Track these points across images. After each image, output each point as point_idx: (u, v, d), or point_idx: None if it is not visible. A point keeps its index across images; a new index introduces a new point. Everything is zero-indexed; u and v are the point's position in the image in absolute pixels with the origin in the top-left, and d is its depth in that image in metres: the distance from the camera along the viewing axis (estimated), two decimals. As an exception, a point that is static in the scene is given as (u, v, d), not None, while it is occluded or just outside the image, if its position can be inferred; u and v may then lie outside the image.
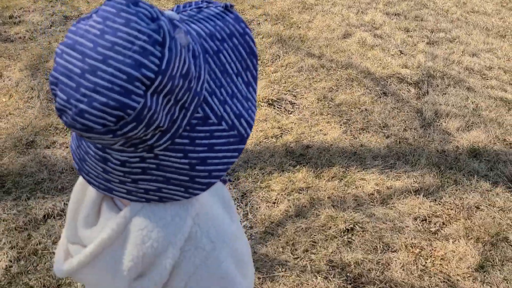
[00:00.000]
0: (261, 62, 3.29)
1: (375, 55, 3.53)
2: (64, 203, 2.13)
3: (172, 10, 0.65)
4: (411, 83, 3.20)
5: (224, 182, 0.88)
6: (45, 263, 1.83)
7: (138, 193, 0.63)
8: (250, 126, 0.64)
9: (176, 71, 0.52)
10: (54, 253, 1.88)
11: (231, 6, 0.66)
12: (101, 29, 0.50)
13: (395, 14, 4.47)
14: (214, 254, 0.67)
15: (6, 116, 2.78)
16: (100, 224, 0.71)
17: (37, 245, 1.91)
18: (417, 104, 2.96)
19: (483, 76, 3.51)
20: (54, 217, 2.06)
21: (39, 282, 1.76)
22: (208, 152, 0.60)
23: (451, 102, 3.00)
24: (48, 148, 2.50)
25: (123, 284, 0.66)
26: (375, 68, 3.33)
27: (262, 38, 3.61)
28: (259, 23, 3.88)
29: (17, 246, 1.91)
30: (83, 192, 0.75)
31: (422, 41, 3.97)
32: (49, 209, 2.08)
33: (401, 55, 3.61)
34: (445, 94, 3.11)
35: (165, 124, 0.53)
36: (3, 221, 2.03)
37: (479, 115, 2.89)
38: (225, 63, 0.63)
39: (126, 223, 0.64)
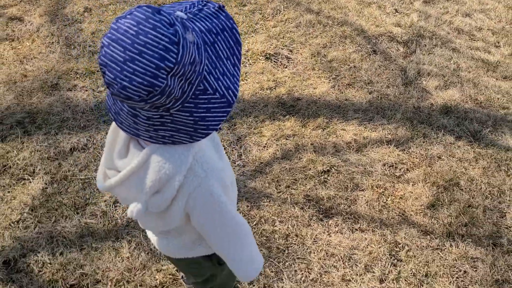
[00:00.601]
0: (262, 17, 3.54)
1: (371, 12, 3.75)
2: (87, 139, 2.50)
3: (180, 10, 0.96)
4: (401, 42, 3.45)
5: (217, 130, 1.23)
6: (74, 187, 2.24)
7: (158, 138, 0.96)
8: (236, 96, 0.97)
9: (186, 61, 0.84)
10: (81, 179, 2.28)
11: (223, 6, 0.98)
12: (136, 31, 0.82)
13: (396, -30, 4.60)
14: (206, 180, 1.01)
15: (31, 59, 3.10)
16: (129, 157, 1.04)
17: (67, 172, 2.31)
18: (403, 63, 3.23)
19: (471, 37, 3.74)
20: (79, 150, 2.44)
21: (70, 201, 2.17)
22: (206, 112, 0.93)
23: (435, 62, 3.27)
24: (70, 90, 2.84)
25: (144, 198, 1.01)
26: (369, 26, 3.57)
27: (265, -8, 3.82)
28: (264, -23, 4.06)
29: (50, 172, 2.31)
30: (116, 134, 1.08)
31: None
32: (75, 143, 2.46)
33: (396, 13, 3.82)
34: (430, 54, 3.37)
35: (178, 94, 0.86)
36: (37, 151, 2.42)
37: (458, 75, 3.17)
38: (219, 50, 0.94)
39: (148, 157, 0.96)
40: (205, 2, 0.97)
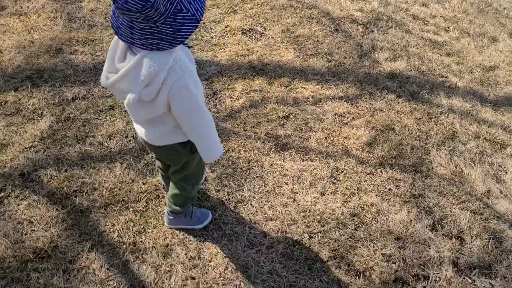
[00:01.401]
0: (241, 0, 4.05)
1: (338, 0, 4.28)
2: (86, 91, 2.98)
3: None
4: (360, 24, 3.98)
5: (189, 47, 1.71)
6: (75, 125, 2.71)
7: (147, 45, 1.40)
8: (202, 15, 1.45)
9: None
10: (81, 119, 2.76)
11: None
12: None
13: (366, -33, 5.15)
14: (183, 76, 1.48)
15: (38, 30, 3.57)
16: (126, 61, 1.51)
17: (69, 114, 2.78)
18: (360, 39, 3.76)
19: (424, 23, 4.28)
20: (79, 99, 2.91)
21: (73, 134, 2.64)
22: (181, 26, 1.40)
23: (388, 39, 3.80)
24: (72, 54, 3.32)
25: (138, 89, 1.47)
26: (334, 10, 4.09)
27: (245, -20, 4.33)
28: (245, -33, 4.58)
29: (55, 114, 2.78)
30: (116, 46, 1.55)
31: (382, -10, 4.68)
32: (76, 93, 2.94)
33: (359, 1, 4.35)
34: (385, 34, 3.90)
35: (162, 10, 1.34)
36: (44, 99, 2.89)
37: (406, 51, 3.70)
38: None
39: (141, 59, 1.42)
40: None
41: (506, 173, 2.68)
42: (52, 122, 2.73)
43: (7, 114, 2.78)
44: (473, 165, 2.71)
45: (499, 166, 2.73)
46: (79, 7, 3.86)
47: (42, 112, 2.80)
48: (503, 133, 2.99)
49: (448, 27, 4.35)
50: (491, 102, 3.36)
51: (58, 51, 3.33)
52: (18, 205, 2.25)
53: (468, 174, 2.64)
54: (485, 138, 2.93)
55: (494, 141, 2.92)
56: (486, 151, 2.82)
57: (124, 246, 2.11)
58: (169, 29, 1.36)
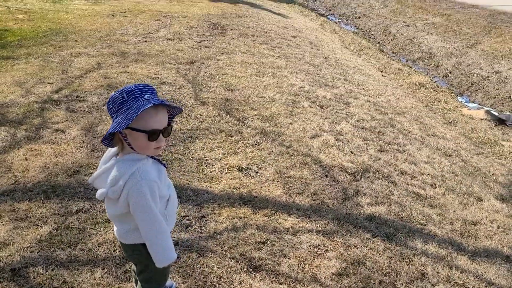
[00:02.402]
0: (244, 144, 4.61)
1: (331, 151, 4.79)
2: (90, 206, 3.35)
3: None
4: (349, 173, 4.39)
5: (164, 165, 2.10)
6: (72, 232, 3.02)
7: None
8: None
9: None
10: (79, 228, 3.07)
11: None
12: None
13: (362, 128, 5.79)
14: (140, 182, 1.83)
15: (64, 155, 4.14)
16: (108, 164, 1.94)
17: (70, 223, 3.11)
18: (346, 185, 4.12)
19: (412, 178, 4.65)
20: (82, 212, 3.27)
21: (67, 239, 2.93)
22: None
23: (372, 187, 4.14)
24: (86, 175, 3.79)
25: (107, 187, 1.86)
26: (326, 159, 4.56)
27: (250, 130, 4.97)
28: (253, 120, 5.28)
29: (57, 222, 3.11)
30: (108, 152, 1.99)
31: (374, 148, 5.20)
32: (80, 207, 3.31)
33: (351, 154, 4.84)
34: (371, 183, 4.26)
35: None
36: (51, 209, 3.26)
37: (389, 198, 4.00)
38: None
39: (114, 164, 1.84)
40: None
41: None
42: (52, 229, 3.05)
43: (16, 219, 3.14)
44: (440, 304, 2.76)
45: (466, 308, 2.77)
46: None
47: (46, 220, 3.15)
48: (475, 280, 3.08)
49: (435, 184, 4.70)
50: (469, 252, 3.49)
51: (75, 172, 3.82)
52: (0, 295, 2.45)
53: (434, 312, 2.69)
54: (456, 282, 3.01)
55: (465, 286, 3.00)
56: (454, 293, 2.89)
57: None
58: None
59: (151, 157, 1.92)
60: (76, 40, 8.31)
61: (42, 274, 2.63)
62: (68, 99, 5.44)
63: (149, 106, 1.71)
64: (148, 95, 1.77)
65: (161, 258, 1.92)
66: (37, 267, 2.68)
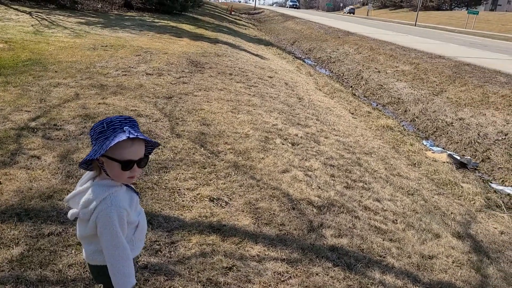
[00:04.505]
0: (216, 176, 4.79)
1: (299, 186, 5.01)
2: (62, 229, 3.43)
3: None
4: (315, 206, 4.60)
5: (137, 193, 2.26)
6: (43, 254, 3.09)
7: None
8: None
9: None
10: (50, 250, 3.15)
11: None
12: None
13: (331, 165, 6.06)
14: (110, 208, 1.97)
15: (38, 181, 4.22)
16: (84, 186, 2.10)
17: (41, 245, 3.19)
18: (312, 218, 4.32)
19: (375, 213, 4.90)
20: (54, 235, 3.35)
21: (38, 260, 3.00)
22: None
23: (336, 221, 4.35)
24: (60, 200, 3.88)
25: (79, 208, 2.00)
26: (294, 193, 4.77)
27: (223, 163, 5.17)
28: (226, 154, 5.49)
29: (29, 244, 3.19)
30: (85, 178, 2.15)
31: (341, 184, 5.46)
32: (52, 230, 3.39)
33: (319, 189, 5.07)
34: (336, 216, 4.48)
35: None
36: (23, 231, 3.33)
37: (351, 231, 4.21)
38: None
39: (88, 187, 1.98)
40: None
41: None
42: (24, 250, 3.12)
43: (-13, 240, 3.20)
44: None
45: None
46: (78, 168, 4.59)
47: (18, 242, 3.21)
48: (429, 308, 3.27)
49: (396, 220, 4.95)
50: (424, 283, 3.70)
51: (49, 197, 3.91)
52: (-32, 311, 2.50)
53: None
54: (410, 309, 3.20)
55: (418, 313, 3.18)
56: (408, 320, 3.07)
57: None
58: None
59: (126, 185, 2.04)
60: (55, 71, 8.47)
61: None
62: (45, 127, 5.54)
63: (124, 138, 1.87)
64: (127, 127, 1.93)
65: (119, 283, 1.99)
66: (6, 285, 2.74)
